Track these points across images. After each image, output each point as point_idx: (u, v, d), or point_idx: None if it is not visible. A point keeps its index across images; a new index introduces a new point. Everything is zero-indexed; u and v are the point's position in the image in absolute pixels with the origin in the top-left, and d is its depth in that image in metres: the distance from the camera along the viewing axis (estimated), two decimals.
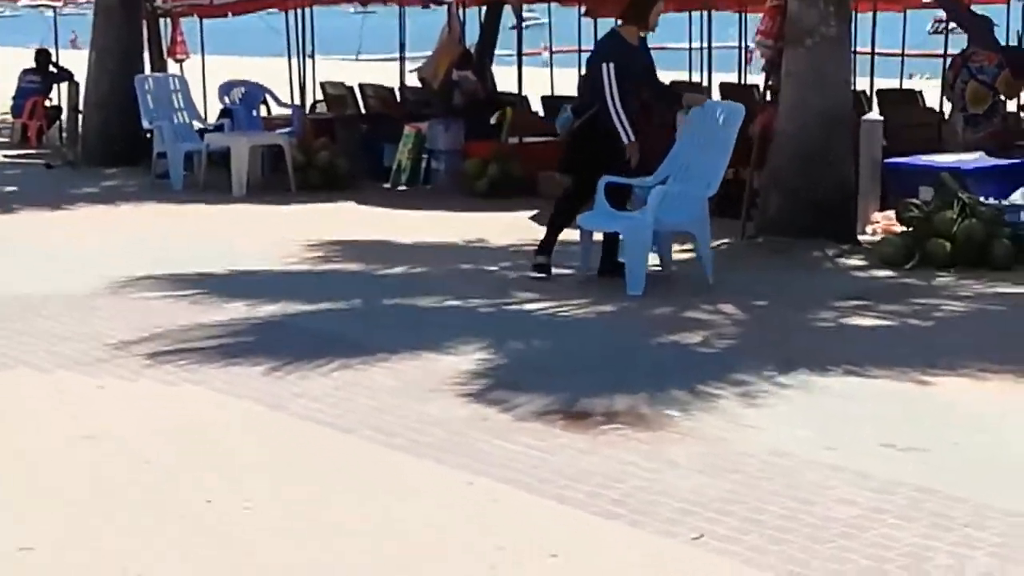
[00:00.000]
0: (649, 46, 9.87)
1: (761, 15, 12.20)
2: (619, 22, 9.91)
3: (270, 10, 19.94)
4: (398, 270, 10.24)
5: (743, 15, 18.48)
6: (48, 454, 6.02)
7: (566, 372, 7.29)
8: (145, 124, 15.37)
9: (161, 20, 20.51)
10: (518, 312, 8.87)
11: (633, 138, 9.41)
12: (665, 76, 11.34)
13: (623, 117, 9.41)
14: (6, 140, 22.32)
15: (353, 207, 13.87)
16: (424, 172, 15.19)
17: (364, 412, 6.55)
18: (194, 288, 9.54)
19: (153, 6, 18.91)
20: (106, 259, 10.83)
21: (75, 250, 11.32)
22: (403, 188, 15.15)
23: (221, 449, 6.11)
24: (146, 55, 18.10)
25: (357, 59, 37.94)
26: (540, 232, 11.89)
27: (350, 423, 6.40)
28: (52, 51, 21.28)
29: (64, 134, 20.92)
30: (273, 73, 19.25)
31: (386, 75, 20.49)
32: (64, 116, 21.04)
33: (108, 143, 16.62)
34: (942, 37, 17.67)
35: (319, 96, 19.00)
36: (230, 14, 19.88)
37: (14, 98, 21.18)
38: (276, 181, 14.96)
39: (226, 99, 15.78)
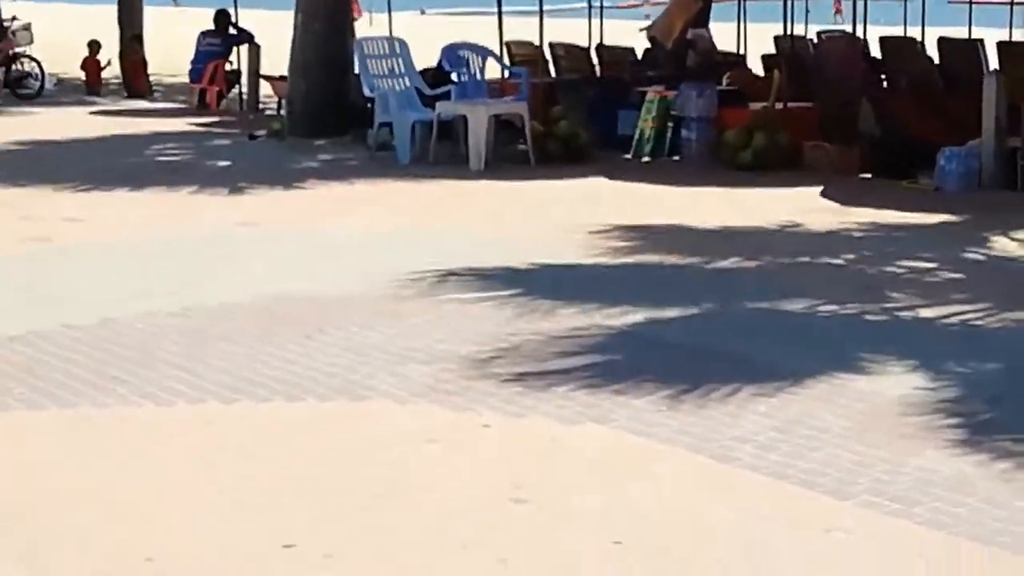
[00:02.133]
0: None
1: None
2: None
3: None
4: (726, 263, 8.93)
5: None
6: (483, 528, 4.82)
7: None
8: (367, 92, 14.12)
9: None
10: (919, 320, 7.54)
11: None
12: None
13: None
14: (181, 106, 21.40)
15: (607, 183, 12.58)
16: (669, 142, 13.90)
17: (843, 468, 5.23)
18: (504, 287, 8.32)
19: None
20: (377, 249, 9.68)
21: (339, 238, 10.15)
22: (647, 160, 13.86)
23: (726, 533, 4.76)
24: None
25: (423, 14, 36.47)
26: (846, 212, 10.68)
27: (834, 483, 5.10)
28: (231, 11, 20.17)
29: (245, 99, 19.94)
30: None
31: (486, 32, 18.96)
32: (244, 80, 20.07)
33: (315, 112, 15.38)
34: None
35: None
36: None
37: (193, 62, 20.11)
38: (506, 153, 13.72)
39: (451, 65, 14.47)
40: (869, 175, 12.65)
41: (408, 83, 14.18)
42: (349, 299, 8.08)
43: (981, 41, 16.82)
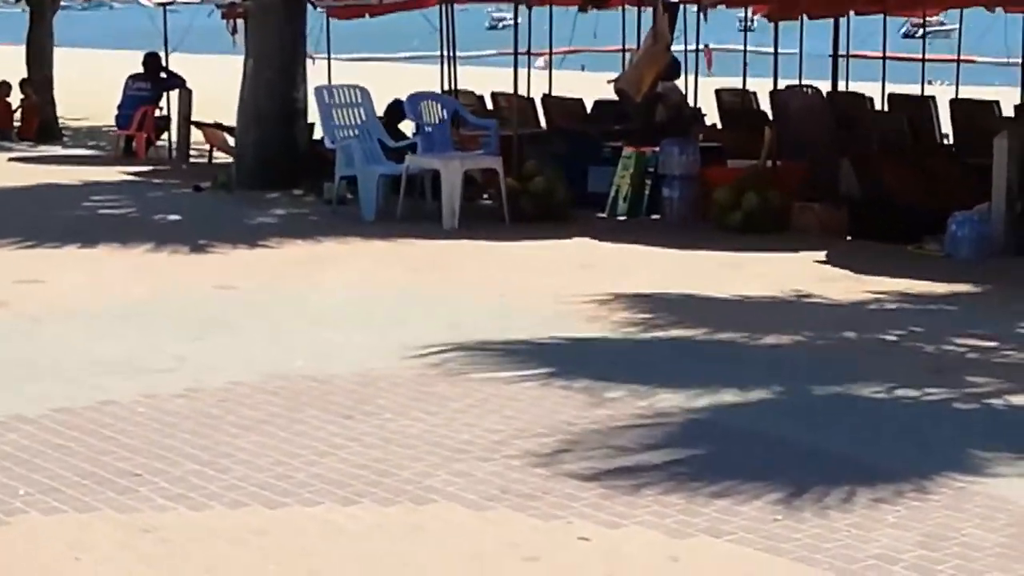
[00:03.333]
0: None
1: None
2: None
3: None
4: (768, 340, 8.24)
5: None
6: None
7: None
8: (327, 143, 13.33)
9: None
10: (1015, 409, 6.82)
11: None
12: None
13: None
14: (101, 153, 20.38)
15: (593, 244, 11.89)
16: (647, 199, 13.27)
17: None
18: (535, 364, 7.59)
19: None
20: (375, 317, 8.93)
21: (329, 304, 9.37)
22: (623, 218, 13.21)
23: None
24: None
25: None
26: (861, 280, 10.15)
27: None
28: (161, 54, 19.24)
29: (175, 147, 19.02)
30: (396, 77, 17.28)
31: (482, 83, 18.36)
32: (175, 127, 19.15)
33: (265, 163, 14.55)
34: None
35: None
36: (367, 15, 17.84)
37: (120, 107, 19.08)
38: (470, 209, 12.99)
39: (415, 115, 13.70)
40: (851, 237, 12.10)
41: (371, 134, 13.41)
42: (371, 379, 7.31)
43: (933, 98, 16.55)
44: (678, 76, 15.09)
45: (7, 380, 7.34)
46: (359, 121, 13.45)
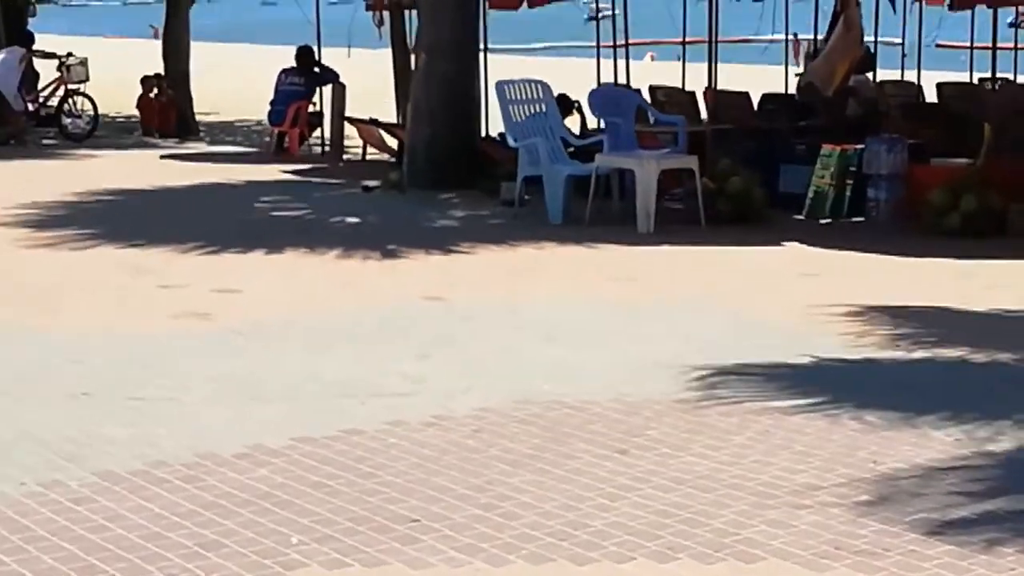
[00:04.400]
0: None
1: None
2: None
3: None
4: None
5: None
6: None
7: None
8: (511, 142, 12.71)
9: None
10: None
11: None
12: None
13: None
14: (252, 149, 19.97)
15: (804, 249, 11.14)
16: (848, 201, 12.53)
17: None
18: (805, 390, 6.88)
19: None
20: (604, 333, 8.26)
21: (547, 320, 8.65)
22: (826, 221, 12.48)
23: None
24: None
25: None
26: None
27: None
28: (315, 49, 18.73)
29: (327, 144, 18.53)
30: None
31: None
32: (328, 123, 18.66)
33: (439, 162, 13.93)
34: None
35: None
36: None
37: (273, 103, 18.58)
38: (660, 212, 12.29)
39: (600, 111, 13.02)
40: None
41: (554, 132, 12.77)
42: (632, 407, 6.66)
43: None
44: (872, 69, 14.32)
45: (233, 403, 6.81)
46: (543, 118, 12.81)
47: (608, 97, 13.06)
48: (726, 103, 16.75)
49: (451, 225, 12.36)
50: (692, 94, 16.20)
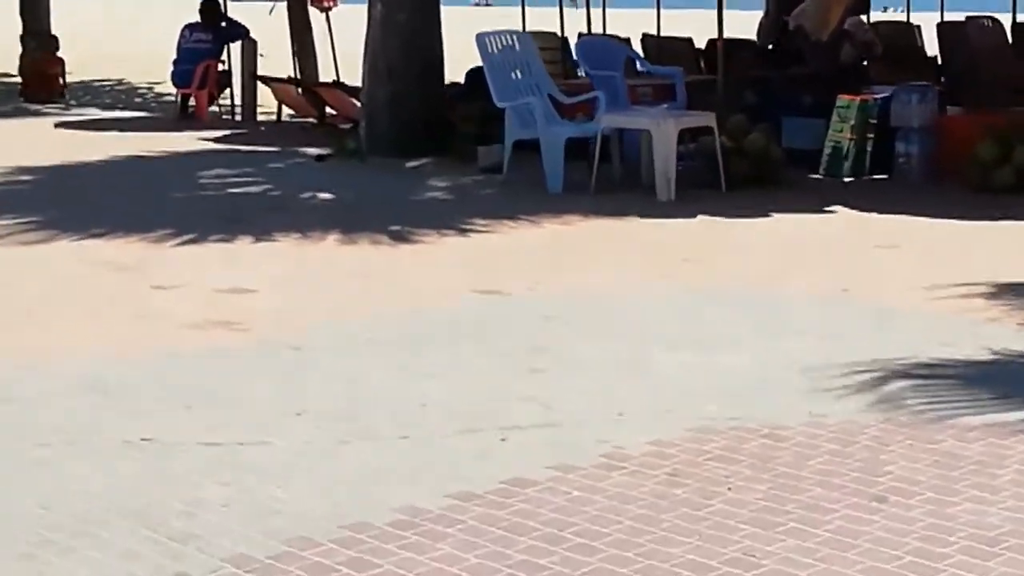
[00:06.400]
0: None
1: None
2: None
3: None
4: None
5: None
6: None
7: None
8: (497, 102, 11.38)
9: None
10: None
11: None
12: None
13: None
14: (153, 115, 18.26)
15: (856, 216, 10.06)
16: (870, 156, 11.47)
17: None
18: (999, 398, 5.81)
19: None
20: (717, 332, 7.03)
21: (636, 317, 7.39)
22: (849, 179, 11.41)
23: None
24: None
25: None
26: None
27: None
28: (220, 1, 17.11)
29: (239, 107, 16.98)
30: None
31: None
32: (239, 83, 17.08)
33: (403, 127, 12.51)
34: None
35: None
36: None
37: (176, 62, 16.93)
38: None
39: (589, 63, 11.76)
40: None
41: (541, 89, 11.47)
42: (840, 431, 5.43)
43: None
44: (866, 10, 13.28)
45: (342, 444, 5.44)
46: (529, 74, 11.50)
47: (598, 48, 11.81)
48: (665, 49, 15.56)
49: (441, 198, 11.02)
50: (689, 41, 15.12)
